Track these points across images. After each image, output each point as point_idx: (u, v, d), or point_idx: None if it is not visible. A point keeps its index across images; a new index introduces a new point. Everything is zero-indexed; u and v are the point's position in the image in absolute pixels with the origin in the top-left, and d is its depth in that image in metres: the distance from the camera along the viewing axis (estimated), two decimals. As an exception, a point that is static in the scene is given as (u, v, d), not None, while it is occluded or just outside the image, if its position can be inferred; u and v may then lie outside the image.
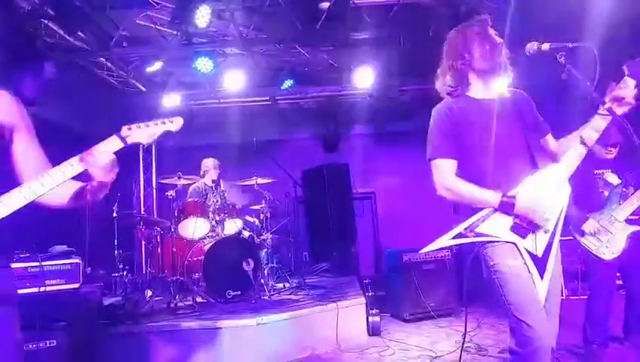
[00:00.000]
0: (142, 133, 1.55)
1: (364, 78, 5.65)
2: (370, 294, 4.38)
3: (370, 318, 4.22)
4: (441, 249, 4.04)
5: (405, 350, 3.82)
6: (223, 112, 6.27)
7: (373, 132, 6.54)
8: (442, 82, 2.14)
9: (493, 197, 1.86)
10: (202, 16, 3.82)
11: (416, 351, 3.76)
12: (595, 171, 3.36)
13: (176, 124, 1.58)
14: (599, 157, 3.33)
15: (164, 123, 1.57)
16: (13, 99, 1.55)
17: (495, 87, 2.08)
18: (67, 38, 4.01)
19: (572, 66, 1.63)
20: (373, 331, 4.21)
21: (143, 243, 5.82)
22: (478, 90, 2.06)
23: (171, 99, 5.84)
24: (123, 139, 1.52)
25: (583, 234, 3.24)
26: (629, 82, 1.74)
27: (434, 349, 3.72)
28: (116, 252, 5.16)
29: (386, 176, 6.39)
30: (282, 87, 5.70)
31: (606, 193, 3.29)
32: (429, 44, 4.29)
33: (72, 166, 1.44)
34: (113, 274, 5.07)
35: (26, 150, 1.54)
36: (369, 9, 4.45)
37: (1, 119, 1.49)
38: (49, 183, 1.40)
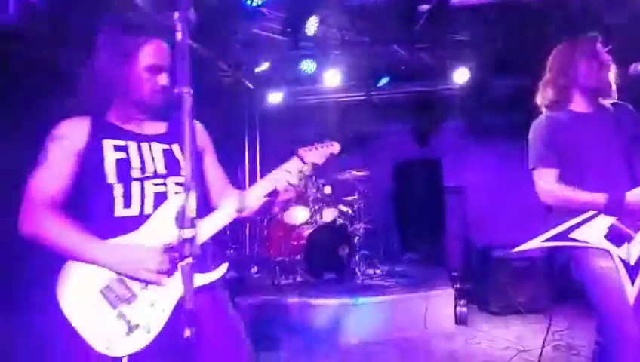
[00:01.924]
0: (316, 154, 1.72)
1: (460, 75, 5.76)
2: (458, 286, 4.57)
3: (458, 308, 4.42)
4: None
5: (492, 341, 3.99)
6: (322, 108, 6.71)
7: (466, 126, 6.57)
8: (542, 95, 2.28)
9: (600, 196, 1.96)
10: (312, 25, 4.27)
11: (503, 342, 3.93)
12: None
13: (337, 147, 1.78)
14: None
15: (328, 146, 1.76)
16: (202, 126, 1.81)
17: (598, 102, 2.18)
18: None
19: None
20: (461, 320, 4.41)
21: (247, 225, 6.53)
22: (579, 103, 2.18)
23: (275, 96, 6.42)
24: (302, 158, 1.69)
25: None
26: None
27: (521, 343, 3.85)
28: (226, 232, 5.90)
29: (477, 171, 6.41)
30: (378, 85, 5.99)
31: None
32: (528, 44, 4.32)
33: (263, 188, 1.63)
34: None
35: (213, 171, 1.80)
36: (468, 10, 4.54)
37: (198, 144, 1.73)
38: (249, 202, 1.60)
